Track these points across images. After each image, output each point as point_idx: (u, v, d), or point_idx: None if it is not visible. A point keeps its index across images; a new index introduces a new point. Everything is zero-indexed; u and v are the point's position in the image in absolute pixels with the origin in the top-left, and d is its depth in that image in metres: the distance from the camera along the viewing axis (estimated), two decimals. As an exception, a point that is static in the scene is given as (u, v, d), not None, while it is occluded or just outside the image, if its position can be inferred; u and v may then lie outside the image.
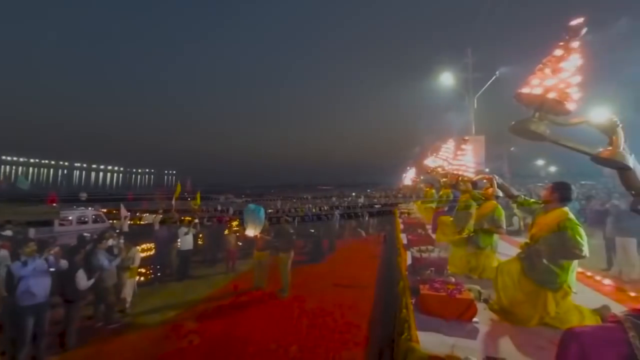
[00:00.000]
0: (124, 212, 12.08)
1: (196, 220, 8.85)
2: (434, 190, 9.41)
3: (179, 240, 7.48)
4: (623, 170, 1.44)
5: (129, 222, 12.73)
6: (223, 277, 7.56)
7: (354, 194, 28.33)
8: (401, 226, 7.86)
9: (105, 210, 14.34)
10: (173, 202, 15.01)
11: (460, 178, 4.89)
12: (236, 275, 7.65)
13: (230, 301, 5.99)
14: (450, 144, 7.01)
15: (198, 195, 14.87)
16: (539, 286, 2.63)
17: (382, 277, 7.23)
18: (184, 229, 7.46)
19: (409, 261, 4.51)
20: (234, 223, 10.92)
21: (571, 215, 2.59)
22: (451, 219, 5.40)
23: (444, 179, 6.74)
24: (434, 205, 8.45)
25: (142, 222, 13.70)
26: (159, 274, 7.16)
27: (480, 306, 2.98)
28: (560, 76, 1.58)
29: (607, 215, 6.68)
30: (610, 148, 1.44)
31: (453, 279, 3.45)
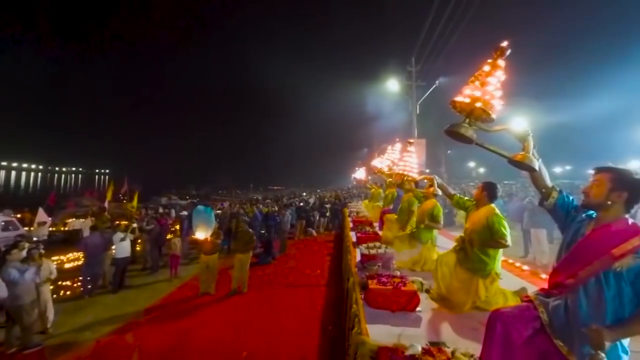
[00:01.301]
0: (42, 217, 10.59)
1: (134, 225, 8.12)
2: (381, 190, 9.90)
3: (113, 247, 6.77)
4: (531, 172, 1.70)
5: (50, 228, 11.21)
6: (166, 285, 7.02)
7: (304, 194, 28.47)
8: (350, 225, 8.12)
9: (19, 215, 12.47)
10: (106, 204, 13.57)
11: (404, 178, 5.21)
12: (181, 282, 7.17)
13: (174, 310, 5.60)
14: (396, 147, 7.45)
15: (135, 197, 13.65)
16: (472, 274, 2.95)
17: (333, 275, 7.39)
18: (119, 235, 6.74)
19: (358, 258, 4.69)
20: (178, 226, 10.26)
21: (497, 211, 2.97)
22: (396, 216, 5.75)
23: (390, 179, 7.14)
24: (380, 204, 8.91)
25: (68, 229, 12.16)
26: (89, 287, 6.39)
27: (423, 296, 3.23)
28: (486, 89, 1.82)
29: (524, 210, 7.68)
30: (522, 153, 1.71)
31: (398, 273, 3.68)
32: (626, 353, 1.41)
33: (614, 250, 1.39)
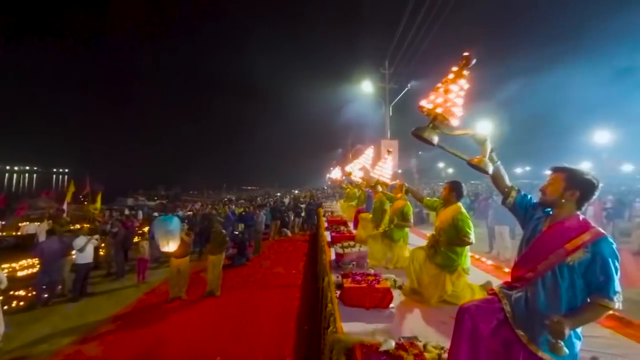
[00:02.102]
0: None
1: (98, 231, 7.65)
2: (356, 190, 10.05)
3: (74, 252, 6.31)
4: (486, 174, 1.86)
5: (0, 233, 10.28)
6: (133, 291, 6.68)
7: (279, 194, 28.25)
8: (325, 224, 8.17)
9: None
10: (65, 206, 12.66)
11: (377, 181, 5.46)
12: (149, 288, 6.85)
13: (142, 317, 5.34)
14: (369, 151, 7.63)
15: (99, 198, 12.87)
16: (440, 270, 3.10)
17: (309, 274, 7.39)
18: (81, 239, 6.30)
19: (332, 257, 4.72)
20: (146, 228, 9.80)
21: (463, 209, 3.13)
22: (370, 216, 5.86)
23: (362, 182, 7.30)
24: (355, 203, 9.04)
25: (20, 233, 11.20)
26: (45, 295, 5.92)
27: (396, 293, 3.32)
28: (448, 96, 1.93)
29: (489, 209, 8.13)
30: (479, 157, 1.82)
31: (372, 271, 3.75)
32: (579, 339, 1.54)
33: (566, 245, 1.51)
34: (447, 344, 2.19)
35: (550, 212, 1.69)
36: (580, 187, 1.58)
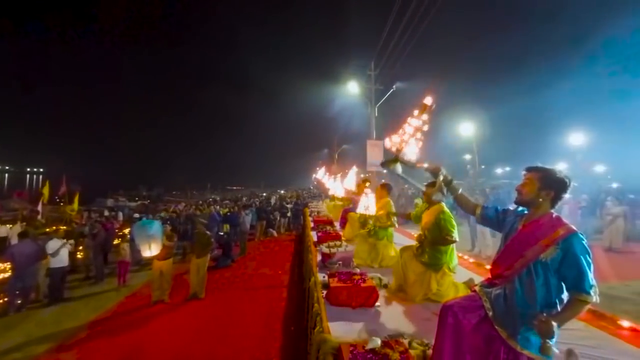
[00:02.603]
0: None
1: (75, 233, 7.37)
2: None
3: (49, 255, 6.04)
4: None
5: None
6: (113, 295, 6.47)
7: (264, 194, 28.04)
8: (311, 224, 8.17)
9: None
10: (39, 207, 12.10)
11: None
12: (130, 291, 6.66)
13: (123, 322, 5.18)
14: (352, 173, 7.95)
15: (76, 199, 12.37)
16: (425, 268, 3.16)
17: (295, 275, 7.37)
18: (54, 242, 6.04)
19: (319, 257, 4.73)
20: (126, 230, 9.50)
21: (446, 209, 3.20)
22: (358, 215, 5.90)
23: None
24: (341, 203, 9.08)
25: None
26: (18, 302, 5.65)
27: (381, 291, 3.35)
28: (404, 137, 2.36)
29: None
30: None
31: (358, 270, 3.78)
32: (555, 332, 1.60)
33: (540, 242, 1.57)
34: (431, 340, 2.23)
35: (525, 212, 1.76)
36: (554, 187, 1.64)
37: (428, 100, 2.32)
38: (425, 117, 2.32)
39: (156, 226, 5.66)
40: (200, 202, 20.75)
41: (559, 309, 1.54)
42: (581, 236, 1.53)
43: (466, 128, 19.41)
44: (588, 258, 1.50)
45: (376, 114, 13.25)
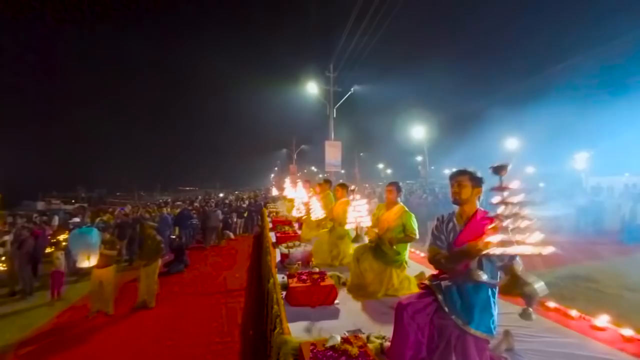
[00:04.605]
0: None
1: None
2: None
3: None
4: None
5: None
6: (46, 310, 5.75)
7: (221, 194, 27.03)
8: (270, 225, 8.06)
9: None
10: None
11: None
12: (66, 305, 5.98)
13: (58, 339, 4.65)
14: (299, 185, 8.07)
15: (-2, 203, 10.84)
16: (386, 266, 3.31)
17: (253, 277, 7.22)
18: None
19: (278, 258, 4.68)
20: (61, 237, 8.51)
21: (407, 209, 3.38)
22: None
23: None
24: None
25: None
26: None
27: (340, 289, 3.42)
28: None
29: (422, 205, 8.87)
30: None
31: (317, 269, 3.81)
32: (496, 309, 1.79)
33: (482, 236, 1.74)
34: (388, 333, 2.33)
35: (454, 212, 1.99)
36: (480, 185, 1.93)
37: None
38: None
39: (95, 234, 5.17)
40: (150, 203, 19.38)
41: (498, 280, 1.75)
42: None
43: (418, 131, 20.64)
44: None
45: (334, 115, 13.49)
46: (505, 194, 1.54)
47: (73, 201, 29.88)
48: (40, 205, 23.64)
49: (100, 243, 5.31)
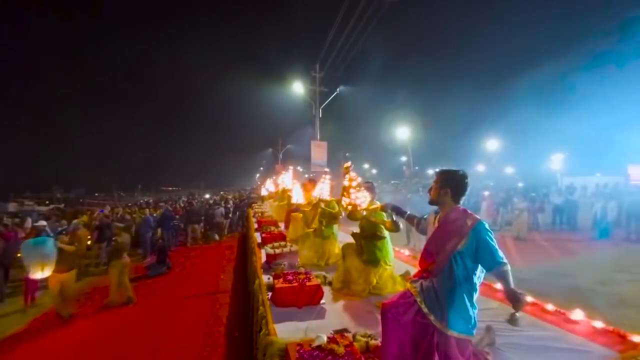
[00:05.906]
0: None
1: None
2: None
3: None
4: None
5: None
6: (18, 318, 5.48)
7: (207, 195, 26.55)
8: (255, 225, 7.98)
9: None
10: None
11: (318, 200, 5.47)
12: (41, 311, 5.72)
13: (33, 347, 4.44)
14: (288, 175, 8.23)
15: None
16: (365, 265, 3.34)
17: (239, 278, 7.13)
18: None
19: (263, 259, 4.64)
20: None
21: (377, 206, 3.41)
22: (301, 215, 5.93)
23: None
24: (285, 203, 9.04)
25: None
26: None
27: (326, 289, 3.43)
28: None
29: (406, 205, 8.99)
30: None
31: (303, 269, 3.81)
32: (474, 308, 1.81)
33: (455, 235, 1.79)
34: (373, 331, 2.35)
35: (438, 211, 2.00)
36: (449, 185, 1.91)
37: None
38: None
39: (50, 244, 4.94)
40: (130, 204, 18.81)
41: (474, 280, 1.78)
42: (484, 222, 1.80)
43: (402, 132, 20.97)
44: (492, 235, 1.77)
45: (320, 115, 13.51)
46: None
47: (48, 202, 28.59)
48: (12, 206, 22.51)
49: (57, 235, 5.17)
